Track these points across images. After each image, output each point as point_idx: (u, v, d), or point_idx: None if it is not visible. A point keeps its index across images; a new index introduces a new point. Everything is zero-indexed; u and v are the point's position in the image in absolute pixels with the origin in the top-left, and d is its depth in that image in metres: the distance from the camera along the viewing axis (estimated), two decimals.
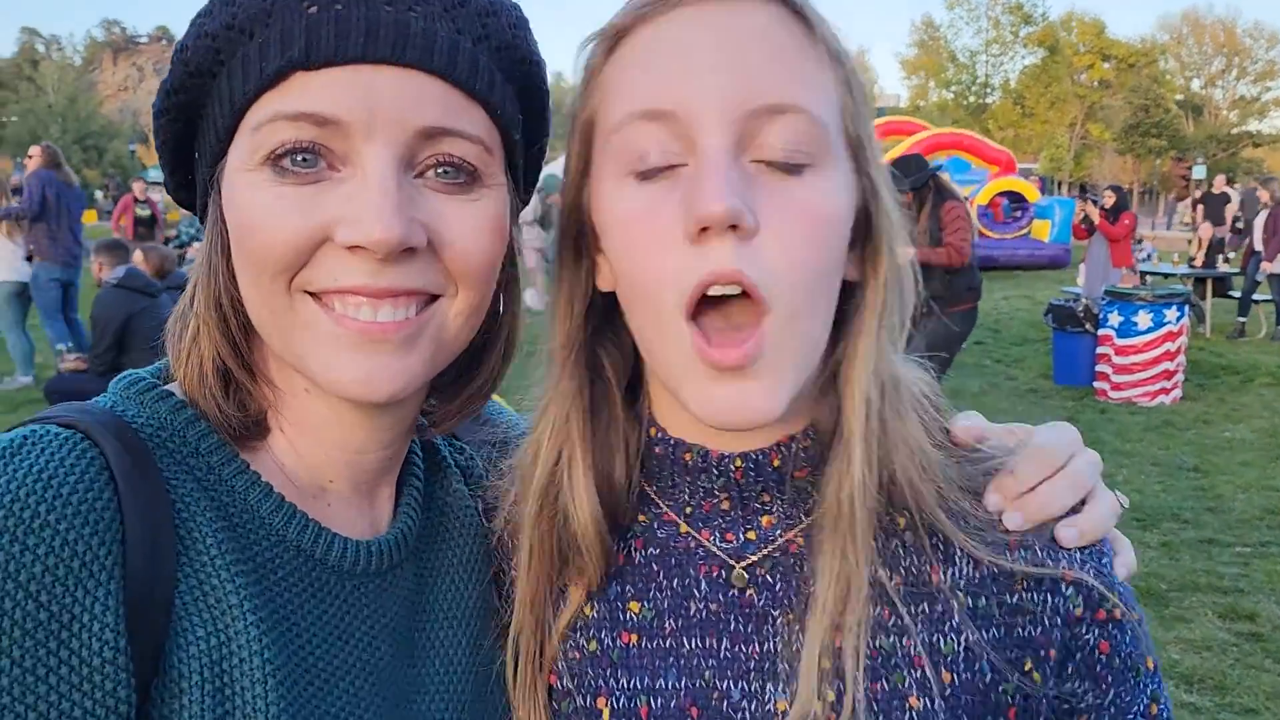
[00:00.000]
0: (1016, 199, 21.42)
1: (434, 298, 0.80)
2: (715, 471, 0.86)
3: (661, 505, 0.90)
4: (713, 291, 0.74)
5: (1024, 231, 21.31)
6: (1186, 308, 9.41)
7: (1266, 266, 12.35)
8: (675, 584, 0.88)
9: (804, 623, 0.81)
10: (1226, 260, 14.19)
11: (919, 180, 6.66)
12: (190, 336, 0.82)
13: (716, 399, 0.76)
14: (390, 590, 0.89)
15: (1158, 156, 58.45)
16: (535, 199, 13.45)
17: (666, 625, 0.88)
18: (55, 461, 0.71)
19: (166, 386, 0.84)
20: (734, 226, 0.72)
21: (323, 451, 0.86)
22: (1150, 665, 0.83)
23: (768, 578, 0.85)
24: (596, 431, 0.89)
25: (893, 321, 0.83)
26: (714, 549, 0.87)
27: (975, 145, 21.64)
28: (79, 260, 9.63)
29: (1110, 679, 0.81)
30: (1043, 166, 54.79)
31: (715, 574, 0.87)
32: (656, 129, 0.76)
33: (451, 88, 0.77)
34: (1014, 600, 0.82)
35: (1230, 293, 13.66)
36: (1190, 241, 16.66)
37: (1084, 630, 0.81)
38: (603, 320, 0.90)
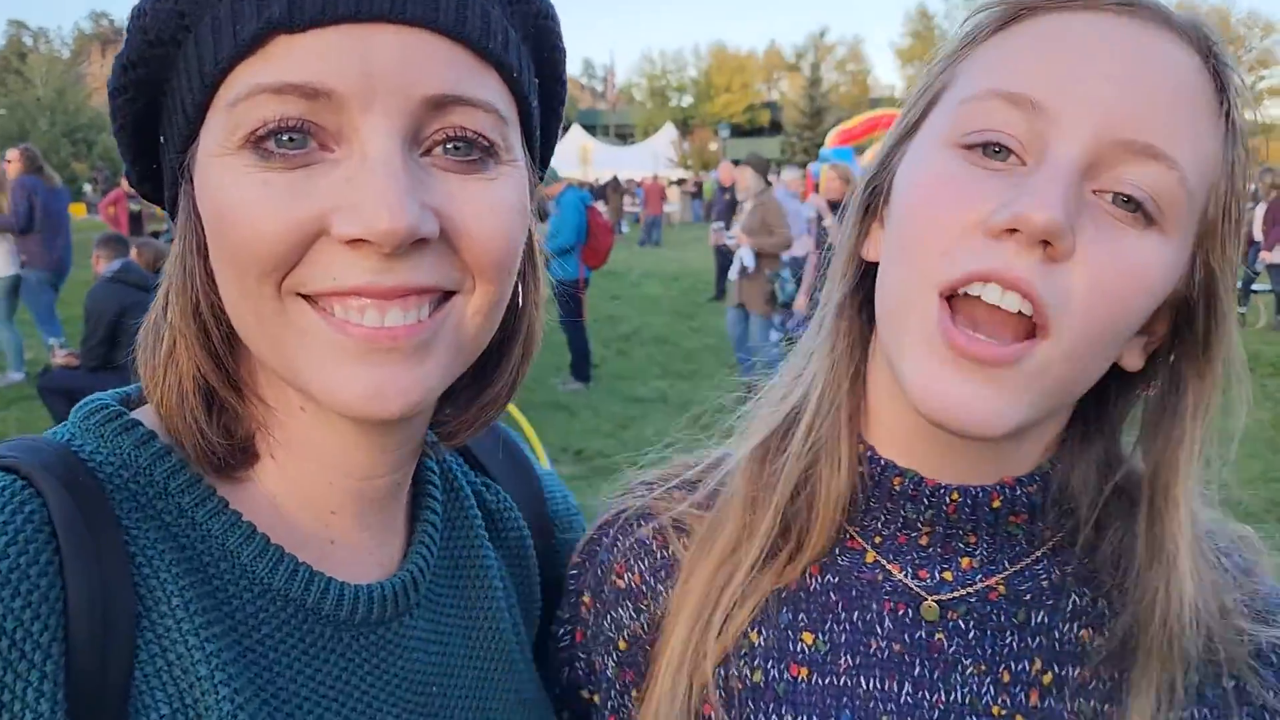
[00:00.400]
0: None
1: (448, 294, 0.69)
2: (925, 502, 0.79)
3: (848, 529, 0.83)
4: (973, 290, 0.69)
5: None
6: None
7: (1266, 256, 12.33)
8: (855, 617, 0.81)
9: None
10: None
11: None
12: (165, 352, 0.70)
13: (946, 386, 0.70)
14: (398, 642, 0.76)
15: None
16: None
17: (842, 661, 0.80)
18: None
19: (134, 414, 0.72)
20: (1046, 243, 0.67)
21: (323, 479, 0.74)
22: None
23: (960, 623, 0.78)
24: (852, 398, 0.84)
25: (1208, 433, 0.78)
26: (905, 583, 0.80)
27: None
28: (68, 261, 9.49)
29: None
30: None
31: (901, 611, 0.80)
32: (1014, 116, 0.71)
33: (461, 48, 0.65)
34: None
35: None
36: None
37: None
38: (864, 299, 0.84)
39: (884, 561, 0.81)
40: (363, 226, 0.62)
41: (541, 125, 0.78)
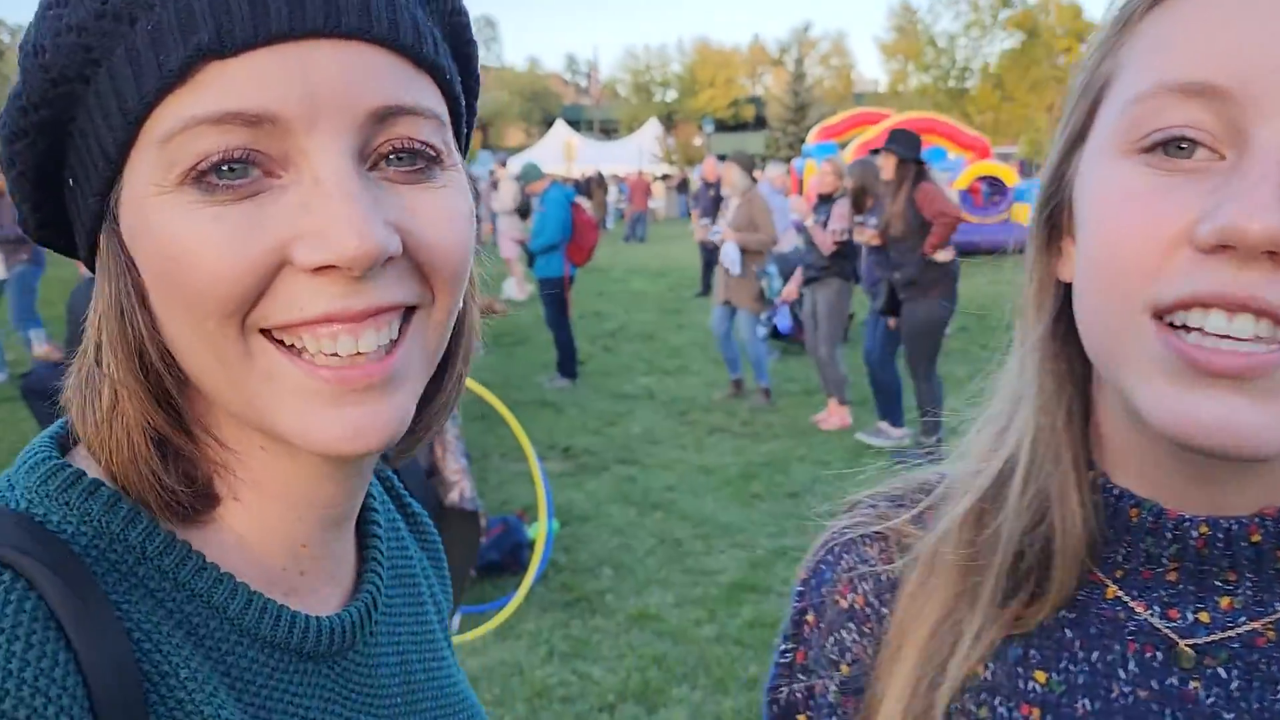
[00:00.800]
0: (995, 183, 21.51)
1: (410, 310, 0.66)
2: (1168, 537, 0.70)
3: (1086, 559, 0.74)
4: (1192, 321, 0.60)
5: (1004, 216, 21.39)
6: None
7: None
8: (1095, 657, 0.73)
9: None
10: None
11: (911, 153, 6.63)
12: (107, 406, 0.65)
13: (1195, 407, 0.60)
14: (365, 664, 0.76)
15: None
16: (515, 187, 13.22)
17: (1079, 706, 0.72)
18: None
19: (85, 470, 0.66)
20: (1273, 253, 0.56)
21: (292, 514, 0.71)
22: None
23: (1220, 671, 0.69)
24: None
25: None
26: (1152, 623, 0.72)
27: (950, 131, 21.69)
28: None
29: None
30: (1022, 150, 54.99)
31: (1149, 654, 0.71)
32: (1197, 109, 0.60)
33: (396, 56, 0.62)
34: None
35: None
36: None
37: None
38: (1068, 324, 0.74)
39: (1126, 599, 0.73)
40: (331, 253, 0.59)
41: (466, 121, 0.76)
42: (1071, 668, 0.73)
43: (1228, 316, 0.58)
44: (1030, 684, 0.74)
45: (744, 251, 7.88)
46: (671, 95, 77.44)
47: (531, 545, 4.71)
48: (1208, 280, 0.58)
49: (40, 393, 6.08)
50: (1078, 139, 0.71)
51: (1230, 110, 0.59)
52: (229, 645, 0.67)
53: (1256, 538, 0.68)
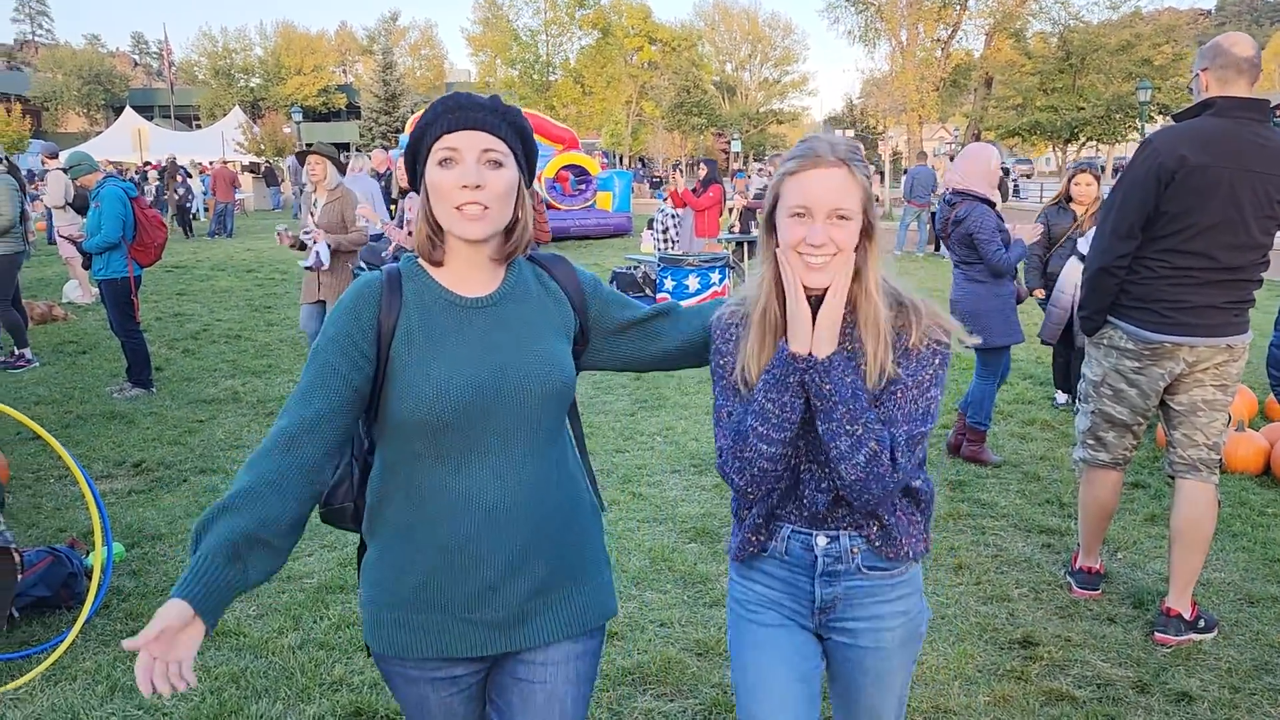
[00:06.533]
0: (581, 173, 22.53)
1: (488, 207, 1.75)
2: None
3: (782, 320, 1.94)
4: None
5: (589, 203, 22.48)
6: (728, 269, 10.42)
7: None
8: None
9: None
10: (757, 226, 15.93)
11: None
12: (419, 230, 1.81)
13: (806, 276, 1.86)
14: (496, 313, 1.83)
15: (700, 132, 64.14)
16: (64, 180, 11.78)
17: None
18: (366, 281, 1.80)
19: (414, 251, 1.84)
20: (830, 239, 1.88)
21: (464, 263, 1.83)
22: None
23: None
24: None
25: None
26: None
27: (541, 124, 22.42)
28: None
29: None
30: (605, 141, 57.98)
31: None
32: (802, 209, 1.82)
33: (488, 134, 1.75)
34: None
35: None
36: (730, 210, 18.50)
37: None
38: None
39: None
40: (466, 182, 1.73)
41: (525, 154, 1.84)
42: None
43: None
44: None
45: (335, 251, 7.58)
46: (256, 81, 72.86)
47: (89, 574, 4.25)
48: (807, 248, 1.82)
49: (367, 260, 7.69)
50: (773, 208, 1.89)
51: (809, 210, 1.82)
52: (429, 300, 1.80)
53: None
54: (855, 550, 2.00)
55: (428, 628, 1.80)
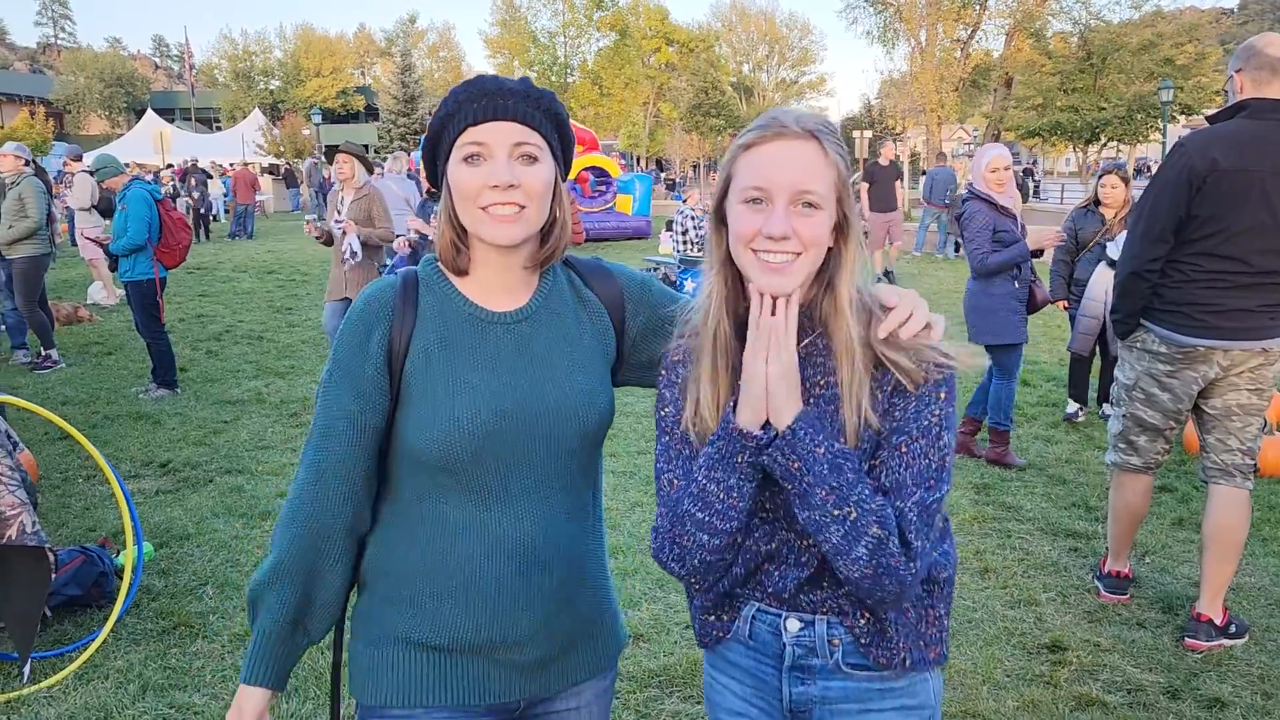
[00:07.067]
0: (601, 174, 22.55)
1: (523, 207, 1.52)
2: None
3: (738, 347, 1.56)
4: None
5: (609, 205, 22.50)
6: None
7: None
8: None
9: None
10: None
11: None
12: (443, 236, 1.58)
13: (764, 281, 1.44)
14: (526, 331, 1.61)
15: (718, 134, 64.09)
16: (91, 182, 11.87)
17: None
18: (379, 288, 1.60)
19: (434, 255, 1.63)
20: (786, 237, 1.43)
21: (490, 272, 1.61)
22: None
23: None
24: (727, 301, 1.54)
25: None
26: None
27: None
28: None
29: None
30: (623, 143, 58.03)
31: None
32: (758, 193, 1.44)
33: (523, 125, 1.52)
34: None
35: None
36: None
37: None
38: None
39: None
40: (497, 180, 1.49)
41: (561, 146, 1.61)
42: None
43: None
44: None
45: (365, 245, 7.64)
46: (276, 84, 73.29)
47: (120, 573, 4.29)
48: (764, 243, 1.42)
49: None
50: (724, 193, 1.50)
51: (767, 193, 1.43)
52: (450, 314, 1.58)
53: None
54: (835, 641, 1.54)
55: (447, 673, 1.60)
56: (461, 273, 1.60)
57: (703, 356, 1.51)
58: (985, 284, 6.12)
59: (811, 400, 1.48)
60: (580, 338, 1.66)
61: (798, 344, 1.47)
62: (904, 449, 1.43)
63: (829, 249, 1.47)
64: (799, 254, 1.41)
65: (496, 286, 1.61)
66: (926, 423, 1.43)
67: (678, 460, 1.55)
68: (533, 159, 1.52)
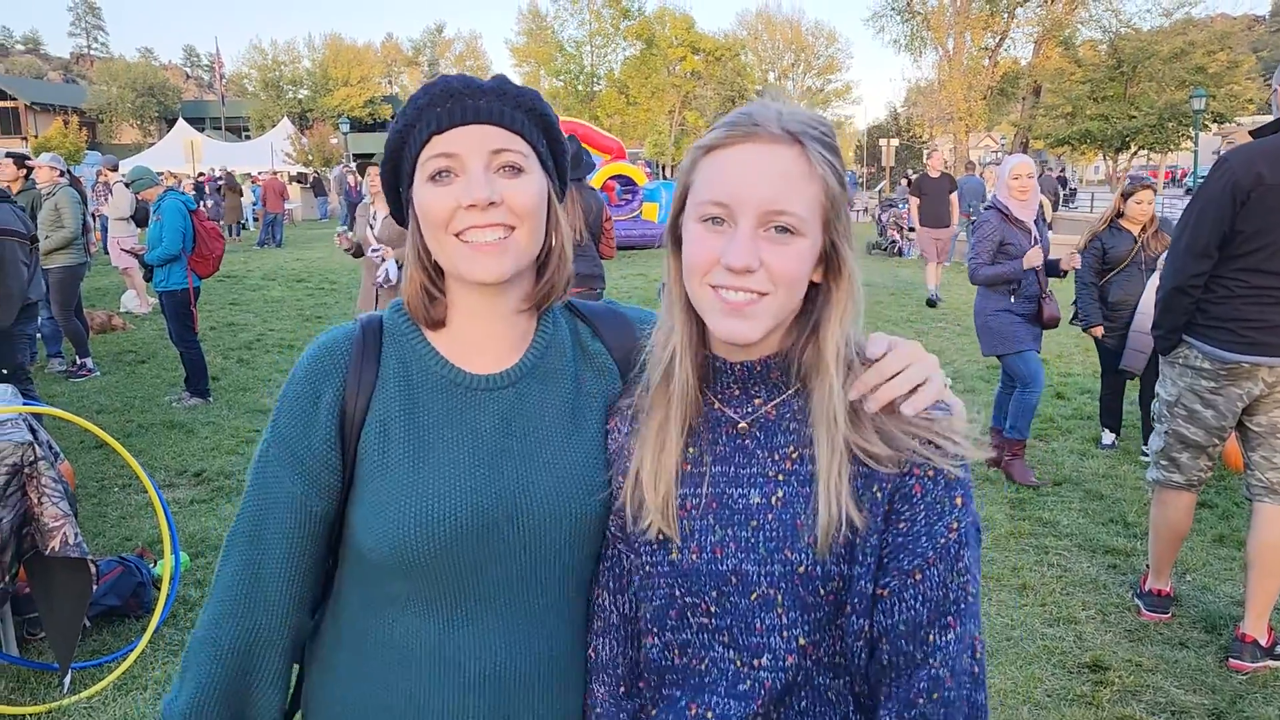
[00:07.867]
0: (627, 183, 22.58)
1: (510, 229, 1.24)
2: (734, 374, 1.25)
3: (699, 391, 1.26)
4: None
5: (635, 213, 22.53)
6: None
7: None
8: (709, 437, 1.28)
9: None
10: None
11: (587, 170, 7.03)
12: (409, 278, 1.31)
13: (724, 325, 1.15)
14: (495, 395, 1.30)
15: None
16: (128, 193, 12.00)
17: (705, 462, 1.26)
18: (332, 338, 1.30)
19: (402, 300, 1.34)
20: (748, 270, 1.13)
21: (470, 322, 1.32)
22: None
23: (757, 432, 1.25)
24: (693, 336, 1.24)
25: None
26: (728, 413, 1.25)
27: (588, 134, 22.52)
28: None
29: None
30: (648, 151, 58.10)
31: (728, 431, 1.25)
32: (718, 209, 1.14)
33: (503, 129, 1.24)
34: None
35: None
36: None
37: None
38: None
39: (719, 404, 1.25)
40: (471, 199, 1.20)
41: (552, 154, 1.31)
42: (702, 445, 1.23)
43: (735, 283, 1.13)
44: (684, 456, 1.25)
45: (401, 265, 7.62)
46: (304, 93, 73.93)
47: (157, 584, 4.32)
48: (722, 276, 1.13)
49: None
50: (681, 208, 1.20)
51: (729, 211, 1.13)
52: (418, 377, 1.29)
53: (759, 369, 1.21)
54: None
55: None
56: (436, 325, 1.32)
57: (654, 412, 1.22)
58: (984, 296, 6.22)
59: (779, 478, 1.15)
60: (583, 406, 1.33)
61: (769, 402, 1.20)
62: (918, 579, 1.08)
63: (814, 284, 1.17)
64: (765, 294, 1.11)
65: (478, 340, 1.31)
66: (941, 539, 1.08)
67: (617, 570, 1.30)
68: (516, 169, 1.23)
